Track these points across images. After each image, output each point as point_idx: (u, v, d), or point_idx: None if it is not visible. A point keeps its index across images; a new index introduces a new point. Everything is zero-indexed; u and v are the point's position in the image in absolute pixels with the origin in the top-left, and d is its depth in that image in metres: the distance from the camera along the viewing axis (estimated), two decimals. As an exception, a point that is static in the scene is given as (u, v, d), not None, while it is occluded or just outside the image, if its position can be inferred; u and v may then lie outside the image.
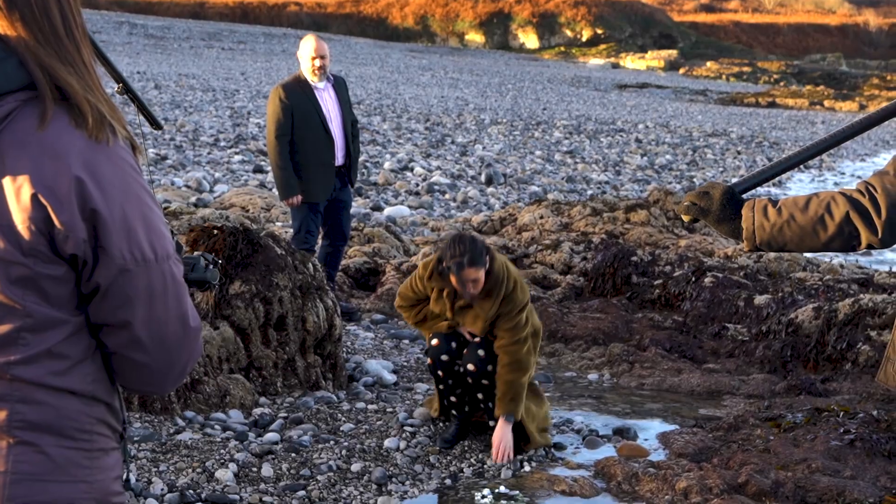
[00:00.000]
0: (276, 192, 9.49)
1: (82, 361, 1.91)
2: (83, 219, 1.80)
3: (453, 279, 5.73)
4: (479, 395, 6.04)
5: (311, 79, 8.37)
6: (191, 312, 1.99)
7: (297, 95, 8.34)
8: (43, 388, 1.86)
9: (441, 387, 6.09)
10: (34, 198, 1.78)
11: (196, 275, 2.89)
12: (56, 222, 1.79)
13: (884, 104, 3.55)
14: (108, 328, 1.91)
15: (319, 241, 8.83)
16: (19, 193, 1.78)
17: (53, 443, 1.87)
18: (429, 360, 6.10)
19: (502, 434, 5.82)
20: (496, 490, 5.56)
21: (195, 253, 3.49)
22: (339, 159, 8.51)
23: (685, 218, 3.62)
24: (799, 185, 21.66)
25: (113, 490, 1.98)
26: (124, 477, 2.08)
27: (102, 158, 1.84)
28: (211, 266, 2.65)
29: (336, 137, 8.43)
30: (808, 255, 11.25)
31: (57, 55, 1.85)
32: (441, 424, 6.31)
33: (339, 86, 8.61)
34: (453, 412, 6.19)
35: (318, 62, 8.35)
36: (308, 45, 8.42)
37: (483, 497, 5.55)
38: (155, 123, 4.11)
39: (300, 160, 8.35)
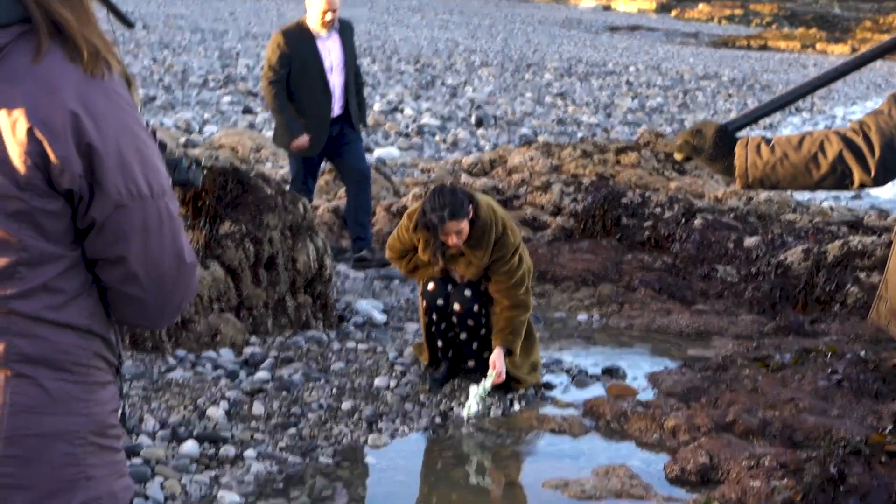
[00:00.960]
0: (272, 138, 9.21)
1: (79, 296, 1.91)
2: (79, 153, 1.80)
3: (438, 232, 5.73)
4: (463, 336, 6.04)
5: (318, 30, 8.09)
6: (186, 248, 1.99)
7: (298, 44, 8.09)
8: (40, 321, 1.86)
9: (433, 329, 6.10)
10: (30, 132, 1.78)
11: (179, 176, 2.90)
12: (52, 157, 1.79)
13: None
14: (103, 263, 1.91)
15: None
16: (15, 128, 1.78)
17: (50, 376, 1.88)
18: (423, 304, 6.09)
19: (499, 360, 5.80)
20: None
21: (177, 154, 3.49)
22: (336, 110, 8.26)
23: (678, 156, 3.63)
24: (791, 129, 21.62)
25: (109, 422, 1.99)
26: (120, 411, 2.08)
27: (98, 93, 1.83)
28: (194, 167, 2.64)
29: (335, 89, 8.19)
30: (798, 196, 11.26)
31: None
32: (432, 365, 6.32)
33: (345, 32, 8.32)
34: (439, 355, 6.21)
35: (328, 16, 8.06)
36: None
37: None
38: (126, 21, 4.02)
39: (297, 112, 8.15)
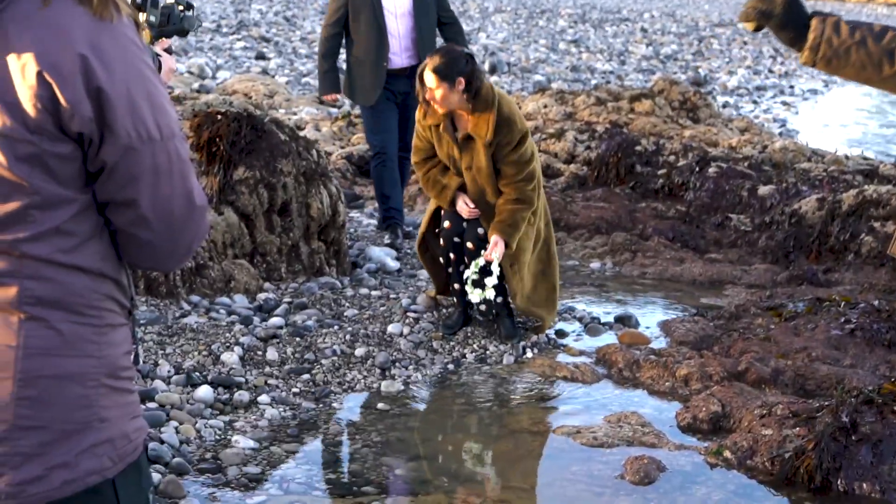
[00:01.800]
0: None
1: (90, 239, 1.91)
2: (88, 97, 1.80)
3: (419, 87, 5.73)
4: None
5: None
6: (196, 191, 1.99)
7: None
8: (52, 264, 1.87)
9: (450, 270, 6.10)
10: (39, 75, 1.77)
11: (174, 26, 2.88)
12: (61, 100, 1.78)
13: None
14: (114, 206, 1.91)
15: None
16: (24, 71, 1.77)
17: (63, 318, 1.89)
18: (441, 243, 6.07)
19: (495, 248, 5.76)
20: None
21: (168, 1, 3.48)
22: (403, 61, 7.53)
23: (748, 26, 3.52)
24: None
25: (122, 364, 2.00)
26: (133, 353, 2.08)
27: (106, 36, 1.82)
28: (188, 12, 2.62)
29: (394, 35, 7.48)
30: (812, 144, 11.19)
31: None
32: (444, 311, 6.35)
33: None
34: (455, 299, 6.22)
35: None
36: None
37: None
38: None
39: (351, 57, 7.64)
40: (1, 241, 1.84)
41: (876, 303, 6.38)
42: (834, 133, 15.14)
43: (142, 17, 3.37)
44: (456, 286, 6.13)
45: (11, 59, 1.77)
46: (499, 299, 6.03)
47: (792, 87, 19.84)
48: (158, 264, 2.05)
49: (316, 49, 17.74)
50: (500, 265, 5.78)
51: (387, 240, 7.72)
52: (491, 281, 5.80)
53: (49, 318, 1.87)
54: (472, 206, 5.91)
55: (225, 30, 19.44)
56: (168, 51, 3.40)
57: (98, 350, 1.93)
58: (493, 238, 5.76)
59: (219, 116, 6.59)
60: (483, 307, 6.06)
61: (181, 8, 3.01)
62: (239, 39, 18.41)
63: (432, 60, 5.63)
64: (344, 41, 7.75)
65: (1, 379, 1.85)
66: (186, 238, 2.00)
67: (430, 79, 5.62)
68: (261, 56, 16.93)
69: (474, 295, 5.86)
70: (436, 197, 6.07)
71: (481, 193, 5.88)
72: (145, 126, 1.85)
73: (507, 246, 5.78)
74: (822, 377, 5.52)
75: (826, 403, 4.95)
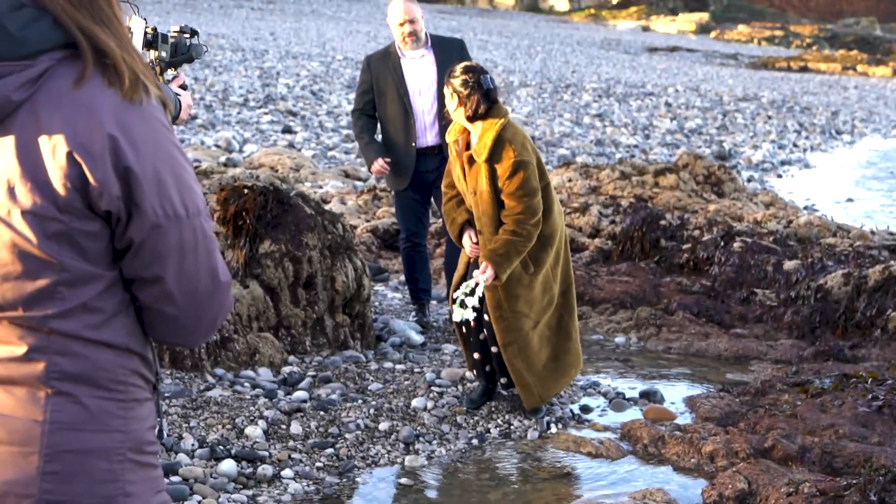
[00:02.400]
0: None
1: (117, 315, 1.95)
2: (117, 176, 1.84)
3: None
4: (494, 348, 5.97)
5: (402, 48, 7.28)
6: (221, 267, 2.03)
7: (379, 66, 7.35)
8: (79, 340, 1.90)
9: (470, 339, 6.09)
10: (69, 155, 1.81)
11: (183, 55, 2.90)
12: (91, 179, 1.82)
13: None
14: (140, 282, 1.95)
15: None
16: (55, 151, 1.81)
17: (89, 393, 1.92)
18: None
19: (480, 273, 5.72)
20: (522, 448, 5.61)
21: (172, 30, 3.51)
22: (429, 139, 7.29)
23: None
24: (832, 152, 21.54)
25: (147, 439, 2.02)
26: (157, 428, 2.11)
27: (135, 117, 1.87)
28: (192, 39, 2.65)
29: (419, 115, 7.26)
30: (838, 220, 11.19)
31: (92, 16, 1.87)
32: (468, 385, 6.35)
33: (445, 51, 7.35)
34: (474, 372, 6.22)
35: (406, 28, 7.22)
36: (395, 10, 7.28)
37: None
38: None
39: (384, 141, 7.44)
40: (30, 318, 1.87)
41: (903, 379, 6.34)
42: (859, 207, 15.13)
43: (153, 54, 3.43)
44: (476, 355, 6.11)
45: (43, 140, 1.82)
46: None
47: (817, 160, 19.87)
48: (183, 340, 2.08)
49: (342, 123, 17.98)
50: (482, 295, 5.78)
51: (413, 317, 7.70)
52: (471, 301, 5.76)
53: (76, 393, 1.91)
54: (475, 240, 5.88)
55: (252, 103, 19.65)
56: (183, 87, 3.46)
57: (124, 425, 1.97)
58: (484, 264, 5.72)
59: (245, 190, 6.65)
60: (504, 380, 6.06)
61: (187, 36, 3.06)
62: (266, 113, 18.60)
63: (453, 72, 5.78)
64: None
65: (27, 453, 1.88)
66: (211, 314, 2.04)
67: (455, 71, 5.75)
68: (287, 130, 17.10)
69: (456, 314, 5.83)
70: (449, 228, 6.07)
71: (484, 220, 5.81)
72: (172, 204, 1.90)
73: (496, 277, 5.70)
74: (849, 455, 5.45)
75: (854, 482, 4.90)
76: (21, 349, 1.88)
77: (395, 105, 7.27)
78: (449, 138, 5.94)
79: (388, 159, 7.28)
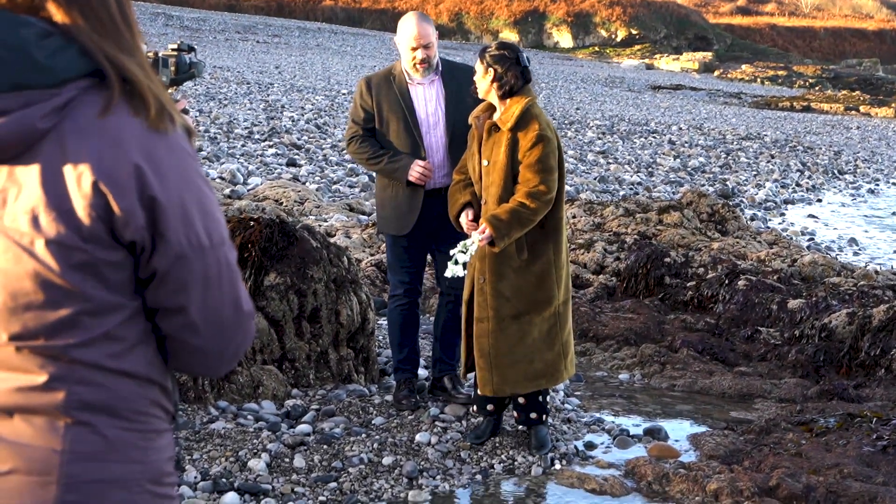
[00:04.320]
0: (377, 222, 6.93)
1: (138, 344, 1.95)
2: (142, 206, 1.84)
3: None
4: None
5: (413, 74, 6.33)
6: (244, 296, 2.03)
7: (382, 90, 6.35)
8: (100, 370, 1.90)
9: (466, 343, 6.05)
10: (95, 185, 1.81)
11: (185, 74, 2.90)
12: (116, 209, 1.82)
13: None
14: (164, 312, 1.95)
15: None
16: (80, 181, 1.81)
17: (109, 423, 1.91)
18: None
19: (476, 230, 5.68)
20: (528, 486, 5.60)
21: (170, 48, 3.52)
22: (439, 180, 6.32)
23: None
24: (834, 191, 21.59)
25: (165, 471, 2.02)
26: (176, 459, 2.10)
27: (161, 146, 1.87)
28: (192, 56, 2.64)
29: (431, 151, 6.31)
30: (842, 258, 11.21)
31: (117, 45, 1.88)
32: (472, 420, 6.34)
33: (454, 77, 6.41)
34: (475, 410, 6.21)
35: (420, 54, 6.25)
36: (407, 29, 6.28)
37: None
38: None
39: (384, 178, 6.48)
40: (51, 347, 1.87)
41: (908, 419, 6.34)
42: (864, 246, 15.17)
43: None
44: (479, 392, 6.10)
45: (68, 169, 1.82)
46: (532, 415, 6.03)
47: (820, 200, 19.91)
48: (206, 369, 2.08)
49: (346, 157, 18.01)
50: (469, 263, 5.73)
51: (403, 397, 6.56)
52: (463, 259, 5.64)
53: (95, 423, 1.90)
54: (471, 218, 5.84)
55: (257, 136, 19.72)
56: (185, 111, 3.48)
57: (143, 455, 1.96)
58: (483, 225, 5.64)
59: (251, 223, 6.68)
60: (517, 413, 6.05)
61: (185, 52, 3.07)
62: (270, 146, 18.66)
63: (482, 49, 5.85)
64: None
65: (45, 483, 1.87)
66: (234, 343, 2.03)
67: (478, 63, 5.79)
68: (292, 163, 17.15)
69: (448, 270, 5.69)
70: (450, 208, 5.99)
71: (492, 190, 5.74)
72: (196, 234, 1.90)
73: (492, 243, 5.63)
74: (854, 494, 5.45)
75: None
76: (41, 378, 1.88)
77: (402, 138, 6.30)
78: (472, 116, 5.95)
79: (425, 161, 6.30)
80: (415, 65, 6.26)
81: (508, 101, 5.72)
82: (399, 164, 6.23)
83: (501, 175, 5.68)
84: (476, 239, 5.61)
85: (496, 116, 5.76)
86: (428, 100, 6.33)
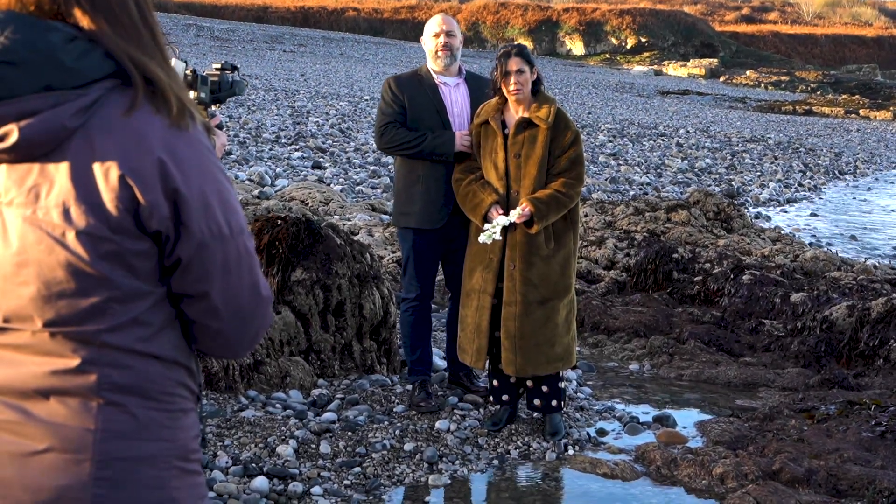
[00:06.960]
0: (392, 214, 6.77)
1: (164, 328, 2.01)
2: (166, 197, 1.90)
3: (499, 73, 5.91)
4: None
5: (435, 64, 6.30)
6: (262, 283, 2.09)
7: (412, 87, 6.33)
8: (130, 353, 1.96)
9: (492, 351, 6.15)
10: (121, 179, 1.87)
11: (227, 92, 3.05)
12: (141, 201, 1.89)
13: None
14: (187, 298, 2.02)
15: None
16: (108, 175, 1.87)
17: (138, 404, 1.97)
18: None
19: (517, 209, 5.81)
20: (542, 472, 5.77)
21: (214, 68, 3.64)
22: None
23: None
24: (834, 192, 21.66)
25: (192, 448, 2.08)
26: (201, 436, 2.20)
27: (182, 142, 1.94)
28: (234, 75, 2.74)
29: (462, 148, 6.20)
30: (842, 254, 11.31)
31: (139, 47, 1.97)
32: (490, 409, 6.46)
33: (479, 88, 6.39)
34: (492, 398, 6.38)
35: (442, 39, 6.27)
36: (433, 20, 6.41)
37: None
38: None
39: (408, 176, 6.38)
40: (83, 332, 1.93)
41: (905, 406, 6.41)
42: (863, 243, 15.28)
43: (192, 94, 3.50)
44: (495, 383, 6.27)
45: (96, 164, 1.88)
46: (553, 402, 6.15)
47: (821, 199, 20.02)
48: (228, 352, 2.14)
49: (369, 159, 18.13)
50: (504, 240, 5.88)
51: (417, 397, 6.51)
52: (500, 224, 5.78)
53: (126, 403, 1.96)
54: (500, 212, 5.88)
55: (284, 140, 19.82)
56: (219, 126, 3.61)
57: (171, 434, 2.02)
58: (525, 204, 5.80)
59: (279, 221, 6.75)
60: (538, 401, 6.17)
61: (228, 71, 3.20)
62: (297, 150, 18.75)
63: (515, 49, 5.95)
64: (393, 160, 6.99)
65: (79, 461, 1.93)
66: (253, 327, 2.10)
67: (517, 62, 5.87)
68: (317, 165, 17.28)
69: (483, 236, 5.80)
70: (470, 212, 5.98)
71: (525, 181, 5.90)
72: (217, 223, 1.96)
73: (531, 223, 5.82)
74: (853, 478, 5.54)
75: (858, 503, 5.03)
76: (74, 361, 1.93)
77: (434, 130, 6.24)
78: (475, 123, 6.08)
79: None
80: (437, 52, 6.27)
81: (536, 100, 5.96)
82: (445, 138, 6.16)
83: (537, 167, 5.87)
84: (516, 214, 5.77)
85: (521, 114, 5.95)
86: (455, 100, 6.32)
